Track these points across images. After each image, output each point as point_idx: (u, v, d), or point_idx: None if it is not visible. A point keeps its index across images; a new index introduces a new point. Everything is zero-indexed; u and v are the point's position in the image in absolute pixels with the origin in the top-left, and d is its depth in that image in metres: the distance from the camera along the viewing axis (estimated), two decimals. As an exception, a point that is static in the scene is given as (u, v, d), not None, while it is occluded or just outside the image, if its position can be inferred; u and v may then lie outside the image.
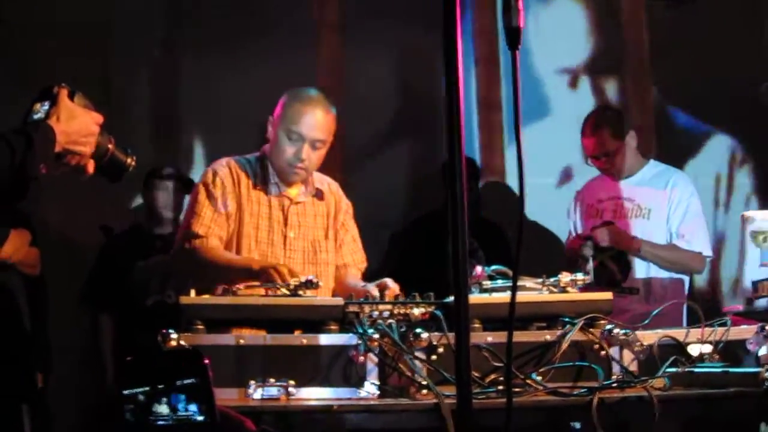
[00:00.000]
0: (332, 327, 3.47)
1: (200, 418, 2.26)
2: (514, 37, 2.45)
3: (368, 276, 4.47)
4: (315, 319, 3.49)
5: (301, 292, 3.56)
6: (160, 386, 2.24)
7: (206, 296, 3.49)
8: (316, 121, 4.24)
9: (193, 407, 2.28)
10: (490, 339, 3.45)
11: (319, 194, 4.43)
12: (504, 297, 3.54)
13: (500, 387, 3.34)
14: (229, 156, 4.42)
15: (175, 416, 2.25)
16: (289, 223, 4.34)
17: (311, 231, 4.39)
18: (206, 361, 2.25)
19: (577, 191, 6.04)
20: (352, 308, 3.52)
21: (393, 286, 3.87)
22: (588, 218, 5.81)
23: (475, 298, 3.56)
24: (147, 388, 2.25)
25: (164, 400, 2.26)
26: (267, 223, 4.31)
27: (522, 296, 3.58)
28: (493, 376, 3.40)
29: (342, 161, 6.38)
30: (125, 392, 2.26)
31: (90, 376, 6.33)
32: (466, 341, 2.38)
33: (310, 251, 4.36)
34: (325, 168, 4.49)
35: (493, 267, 3.78)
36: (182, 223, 4.43)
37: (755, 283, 3.77)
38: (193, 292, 3.47)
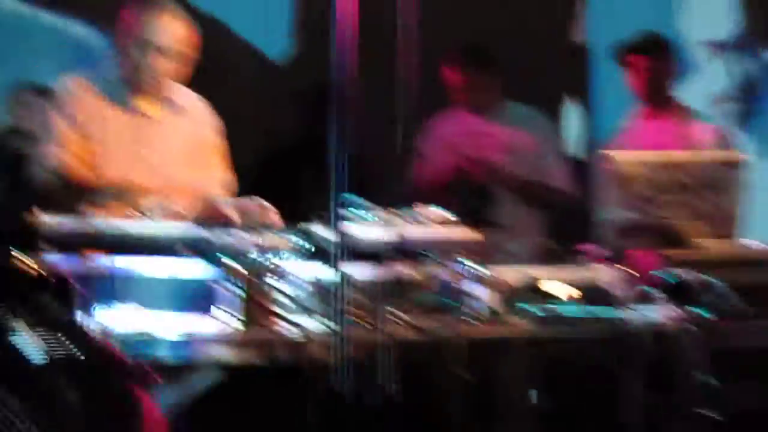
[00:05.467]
0: (191, 254, 3.35)
1: (72, 348, 2.12)
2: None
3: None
4: (172, 247, 3.36)
5: (158, 218, 3.43)
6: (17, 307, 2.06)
7: (58, 218, 3.32)
8: (166, 27, 4.09)
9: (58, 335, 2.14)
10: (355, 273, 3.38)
11: (179, 110, 4.24)
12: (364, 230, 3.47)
13: (365, 322, 3.28)
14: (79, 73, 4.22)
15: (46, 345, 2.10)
16: (143, 142, 4.16)
17: (169, 150, 4.21)
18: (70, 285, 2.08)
19: (424, 124, 5.94)
20: (213, 236, 3.39)
21: (267, 205, 3.73)
22: (444, 153, 5.70)
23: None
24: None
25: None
26: (117, 141, 4.12)
27: (379, 231, 3.52)
28: (357, 311, 3.33)
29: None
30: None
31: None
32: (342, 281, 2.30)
33: (168, 171, 4.16)
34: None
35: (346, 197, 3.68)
36: (39, 141, 4.19)
37: (616, 227, 3.82)
38: (44, 214, 3.31)
